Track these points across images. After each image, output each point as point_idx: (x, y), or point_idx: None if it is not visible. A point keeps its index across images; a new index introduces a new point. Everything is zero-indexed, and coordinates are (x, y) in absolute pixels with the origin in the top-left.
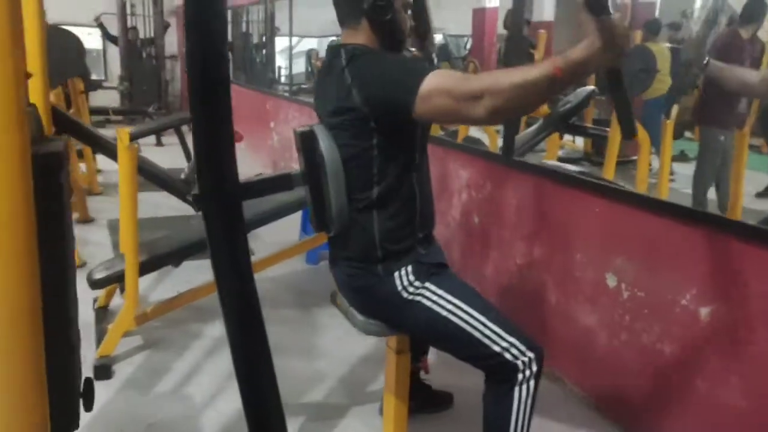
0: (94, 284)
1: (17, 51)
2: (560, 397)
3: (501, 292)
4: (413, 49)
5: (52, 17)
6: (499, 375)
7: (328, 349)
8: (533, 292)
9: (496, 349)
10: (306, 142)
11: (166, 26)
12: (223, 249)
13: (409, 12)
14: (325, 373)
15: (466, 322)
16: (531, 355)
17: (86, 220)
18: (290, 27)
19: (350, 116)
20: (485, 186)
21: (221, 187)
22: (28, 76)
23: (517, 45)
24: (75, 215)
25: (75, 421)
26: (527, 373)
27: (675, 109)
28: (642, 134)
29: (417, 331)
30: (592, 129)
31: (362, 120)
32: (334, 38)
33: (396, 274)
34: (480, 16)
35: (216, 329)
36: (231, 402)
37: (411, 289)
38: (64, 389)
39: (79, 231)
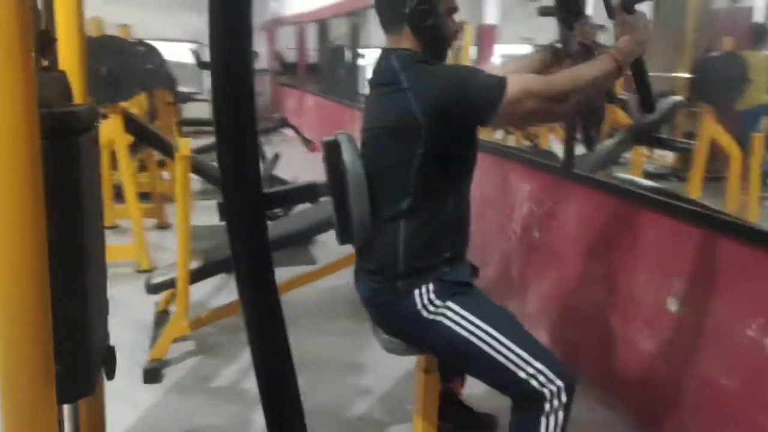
0: (151, 289)
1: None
2: (615, 425)
3: (558, 311)
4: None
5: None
6: (525, 403)
7: (375, 363)
8: (591, 313)
9: (522, 375)
10: (330, 151)
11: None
12: (244, 259)
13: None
14: (368, 387)
15: (489, 344)
16: (560, 383)
17: (163, 225)
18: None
19: (400, 123)
20: (545, 200)
21: (244, 197)
22: (50, 39)
23: None
24: (153, 220)
25: (89, 386)
26: (555, 403)
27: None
28: (733, 148)
29: (438, 352)
30: (676, 142)
31: (414, 128)
32: None
33: (416, 291)
34: None
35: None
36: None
37: (431, 308)
38: (76, 352)
39: (155, 236)
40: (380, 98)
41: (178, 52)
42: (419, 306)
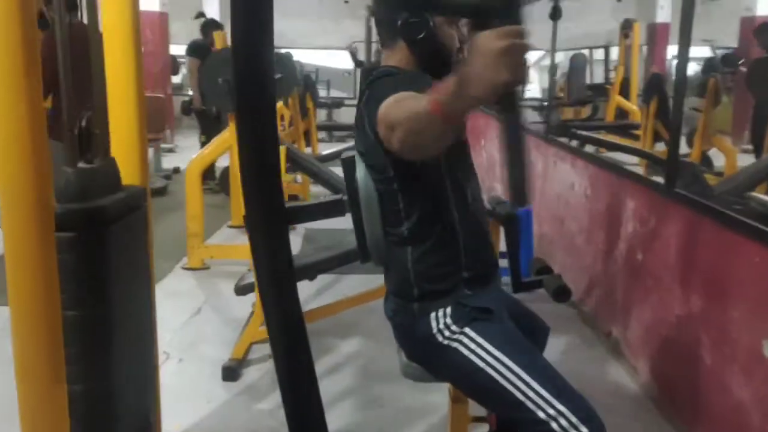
0: (239, 290)
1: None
2: None
3: (658, 344)
4: None
5: (313, 42)
6: None
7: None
8: (686, 349)
9: (541, 415)
10: (346, 169)
11: None
12: (267, 270)
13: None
14: (415, 407)
15: (507, 378)
16: (585, 430)
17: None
18: None
19: (367, 146)
20: (646, 219)
21: (267, 211)
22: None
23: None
24: None
25: None
26: None
27: None
28: None
29: (453, 382)
30: None
31: (377, 151)
32: (582, 51)
33: (432, 314)
34: (749, 26)
35: (350, 345)
36: (343, 420)
37: (447, 333)
38: (98, 424)
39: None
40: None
41: (335, 59)
42: (435, 330)
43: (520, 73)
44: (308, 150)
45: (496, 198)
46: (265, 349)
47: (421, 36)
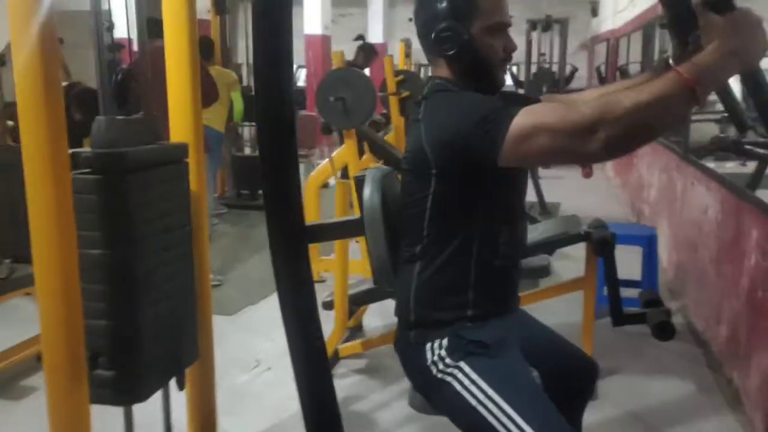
0: (325, 305)
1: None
2: None
3: None
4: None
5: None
6: None
7: None
8: None
9: None
10: (358, 187)
11: (573, 72)
12: (287, 287)
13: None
14: None
15: (496, 418)
16: None
17: None
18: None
19: (414, 158)
20: None
21: (287, 228)
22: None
23: None
24: None
25: (139, 394)
26: None
27: None
28: None
29: (448, 417)
30: None
31: (424, 163)
32: None
33: (428, 345)
34: None
35: None
36: None
37: (441, 366)
38: (124, 362)
39: None
40: (407, 131)
41: None
42: (429, 362)
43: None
44: None
45: (596, 222)
46: (349, 364)
47: (454, 51)
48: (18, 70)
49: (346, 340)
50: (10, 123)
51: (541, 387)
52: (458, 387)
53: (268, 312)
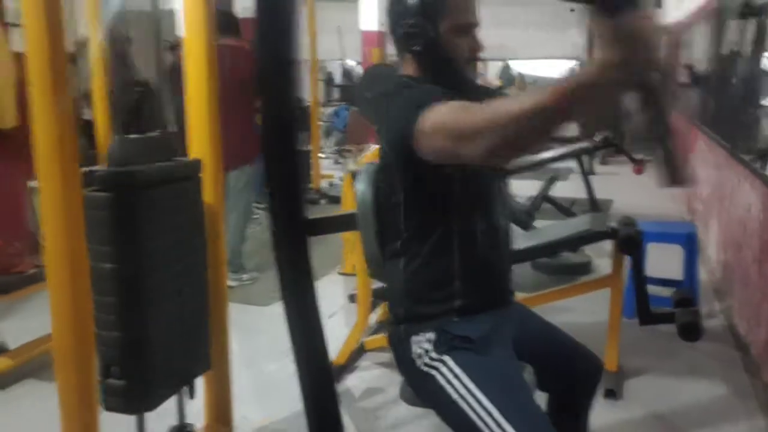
0: (349, 298)
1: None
2: None
3: None
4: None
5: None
6: None
7: None
8: None
9: None
10: (353, 183)
11: None
12: (288, 277)
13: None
14: None
15: (478, 415)
16: None
17: None
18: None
19: (383, 156)
20: None
21: (288, 221)
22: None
23: None
24: None
25: (148, 402)
26: None
27: None
28: None
29: (433, 409)
30: None
31: (388, 160)
32: None
33: (414, 338)
34: None
35: None
36: None
37: (426, 359)
38: (133, 372)
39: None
40: None
41: (555, 69)
42: (414, 355)
43: (654, 55)
44: None
45: (624, 219)
46: (374, 357)
47: (420, 47)
48: (34, 95)
49: (373, 334)
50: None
51: (533, 384)
52: (441, 381)
53: None
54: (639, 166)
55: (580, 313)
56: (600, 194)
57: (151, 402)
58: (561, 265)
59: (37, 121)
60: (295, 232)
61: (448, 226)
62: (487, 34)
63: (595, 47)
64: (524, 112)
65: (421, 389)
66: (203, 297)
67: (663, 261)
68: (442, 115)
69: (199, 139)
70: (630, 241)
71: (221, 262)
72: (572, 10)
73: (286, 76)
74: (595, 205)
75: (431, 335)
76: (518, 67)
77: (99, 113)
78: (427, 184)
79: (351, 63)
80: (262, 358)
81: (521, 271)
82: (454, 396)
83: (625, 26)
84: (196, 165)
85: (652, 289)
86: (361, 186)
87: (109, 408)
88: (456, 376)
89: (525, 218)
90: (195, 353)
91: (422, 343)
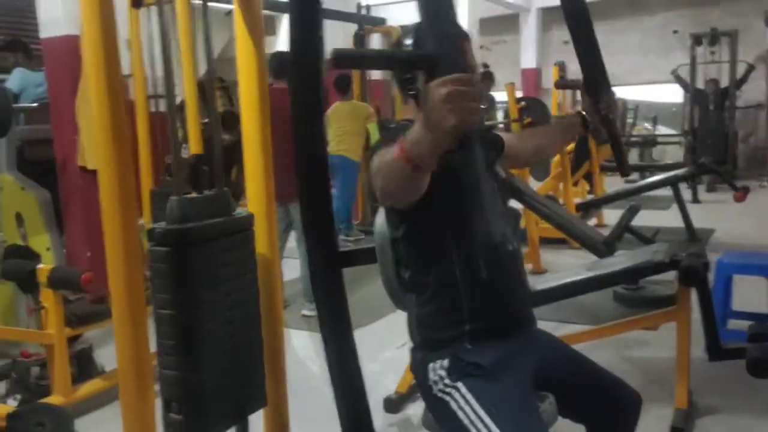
0: None
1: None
2: None
3: None
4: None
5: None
6: None
7: None
8: None
9: None
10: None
11: (749, 70)
12: (324, 309)
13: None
14: None
15: None
16: None
17: (538, 271)
18: None
19: None
20: None
21: (322, 254)
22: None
23: None
24: (529, 266)
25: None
26: None
27: None
28: None
29: None
30: None
31: None
32: None
33: (431, 365)
34: None
35: None
36: None
37: (441, 386)
38: (190, 409)
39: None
40: None
41: (663, 94)
42: (431, 381)
43: (468, 117)
44: (589, 196)
45: (691, 249)
46: None
47: (413, 92)
48: (97, 150)
49: None
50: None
51: (553, 413)
52: (454, 406)
53: (374, 335)
54: (740, 194)
55: (657, 347)
56: (703, 223)
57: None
58: (644, 297)
59: (100, 171)
60: (329, 264)
61: (448, 256)
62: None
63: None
64: (382, 167)
65: (439, 415)
66: (257, 341)
67: (752, 293)
68: (376, 161)
69: (255, 193)
70: (692, 272)
71: (277, 307)
72: (675, 32)
73: (316, 119)
74: (692, 234)
75: (446, 362)
76: (621, 93)
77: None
78: (418, 217)
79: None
80: (326, 385)
81: (601, 303)
82: (466, 422)
83: (427, 90)
84: (249, 219)
85: (736, 324)
86: (379, 219)
87: None
88: (467, 402)
89: (602, 248)
90: (247, 392)
91: (438, 370)
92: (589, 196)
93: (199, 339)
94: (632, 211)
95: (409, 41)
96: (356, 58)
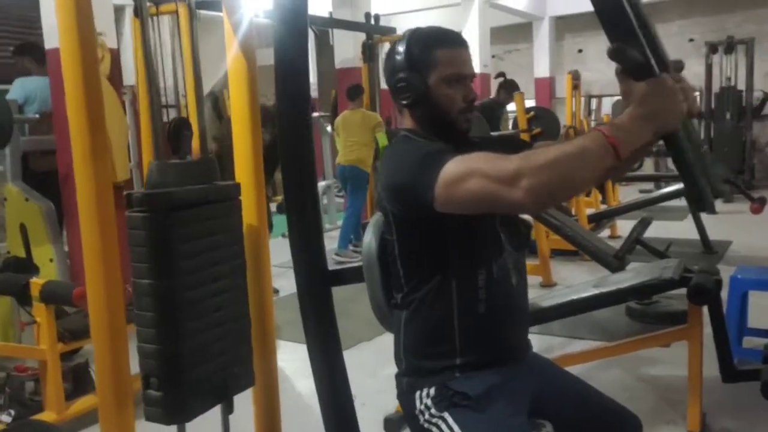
0: None
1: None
2: None
3: None
4: None
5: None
6: None
7: None
8: None
9: None
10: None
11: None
12: (312, 328)
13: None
14: None
15: None
16: None
17: (548, 284)
18: None
19: (380, 203)
20: None
21: (310, 273)
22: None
23: None
24: (539, 279)
25: (183, 414)
26: None
27: None
28: None
29: None
30: None
31: (384, 210)
32: None
33: (417, 393)
34: None
35: None
36: None
37: (427, 416)
38: (169, 384)
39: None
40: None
41: None
42: (417, 410)
43: (695, 107)
44: (603, 206)
45: (703, 265)
46: None
47: (409, 101)
48: (71, 127)
49: None
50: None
51: None
52: None
53: (378, 349)
54: (757, 205)
55: (670, 364)
56: (720, 235)
57: (188, 413)
58: (658, 312)
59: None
60: (317, 283)
61: (446, 281)
62: (601, 69)
63: (626, 103)
64: (569, 157)
65: None
66: (244, 315)
67: None
68: (476, 161)
69: (243, 163)
70: (702, 291)
71: (266, 282)
72: (691, 40)
73: (303, 134)
74: (708, 246)
75: (432, 390)
76: None
77: None
78: (419, 235)
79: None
80: None
81: (612, 317)
82: None
83: (653, 88)
84: (235, 188)
85: (752, 341)
86: (368, 237)
87: (149, 418)
88: None
89: (613, 262)
90: (233, 370)
91: (424, 399)
92: (603, 207)
93: (179, 309)
94: (644, 224)
95: (401, 47)
96: None
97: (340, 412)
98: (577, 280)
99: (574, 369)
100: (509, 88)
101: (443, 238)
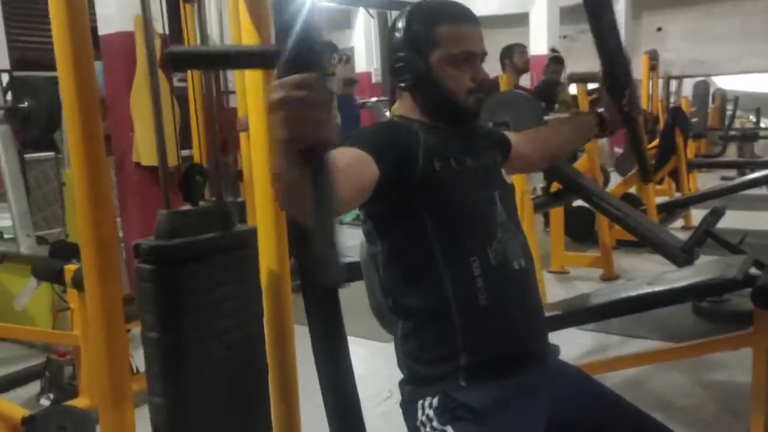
0: None
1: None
2: None
3: None
4: None
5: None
6: None
7: None
8: None
9: None
10: None
11: None
12: (318, 328)
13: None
14: None
15: None
16: None
17: (609, 277)
18: None
19: (360, 212)
20: None
21: (319, 266)
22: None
23: None
24: (600, 271)
25: None
26: None
27: None
28: None
29: None
30: None
31: (364, 218)
32: None
33: (420, 402)
34: None
35: None
36: None
37: (428, 428)
38: None
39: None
40: None
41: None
42: (418, 421)
43: (303, 131)
44: (677, 194)
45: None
46: None
47: (407, 82)
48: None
49: None
50: None
51: None
52: None
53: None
54: None
55: (736, 369)
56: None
57: None
58: (728, 311)
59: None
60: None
61: (437, 275)
62: (683, 48)
63: None
64: None
65: None
66: (261, 367)
67: None
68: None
69: (262, 203)
70: (765, 292)
71: (287, 326)
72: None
73: None
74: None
75: (435, 400)
76: (721, 82)
77: None
78: (401, 232)
79: None
80: (364, 394)
81: (678, 316)
82: None
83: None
84: (251, 234)
85: None
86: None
87: None
88: None
89: (680, 256)
90: (249, 420)
91: (426, 409)
92: (677, 195)
93: (187, 365)
94: (716, 215)
95: (401, 23)
96: (193, 58)
97: (349, 414)
98: (641, 274)
99: (627, 371)
100: (550, 65)
101: (424, 229)
